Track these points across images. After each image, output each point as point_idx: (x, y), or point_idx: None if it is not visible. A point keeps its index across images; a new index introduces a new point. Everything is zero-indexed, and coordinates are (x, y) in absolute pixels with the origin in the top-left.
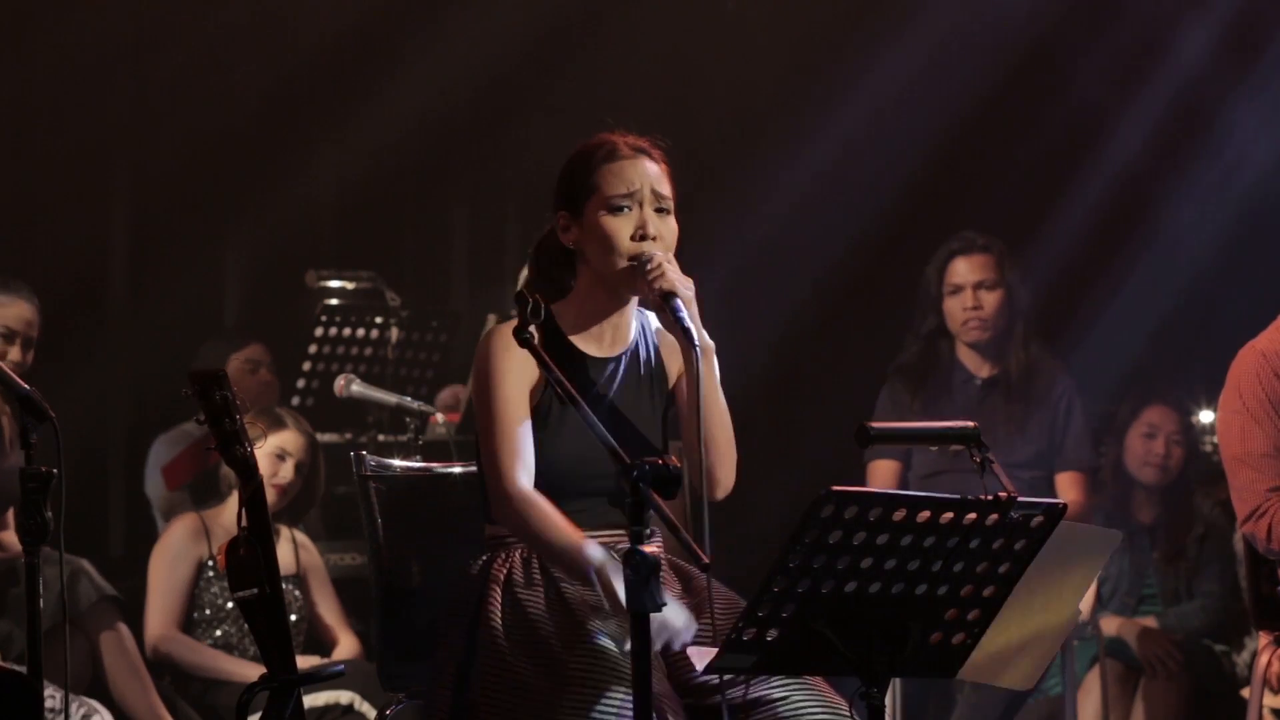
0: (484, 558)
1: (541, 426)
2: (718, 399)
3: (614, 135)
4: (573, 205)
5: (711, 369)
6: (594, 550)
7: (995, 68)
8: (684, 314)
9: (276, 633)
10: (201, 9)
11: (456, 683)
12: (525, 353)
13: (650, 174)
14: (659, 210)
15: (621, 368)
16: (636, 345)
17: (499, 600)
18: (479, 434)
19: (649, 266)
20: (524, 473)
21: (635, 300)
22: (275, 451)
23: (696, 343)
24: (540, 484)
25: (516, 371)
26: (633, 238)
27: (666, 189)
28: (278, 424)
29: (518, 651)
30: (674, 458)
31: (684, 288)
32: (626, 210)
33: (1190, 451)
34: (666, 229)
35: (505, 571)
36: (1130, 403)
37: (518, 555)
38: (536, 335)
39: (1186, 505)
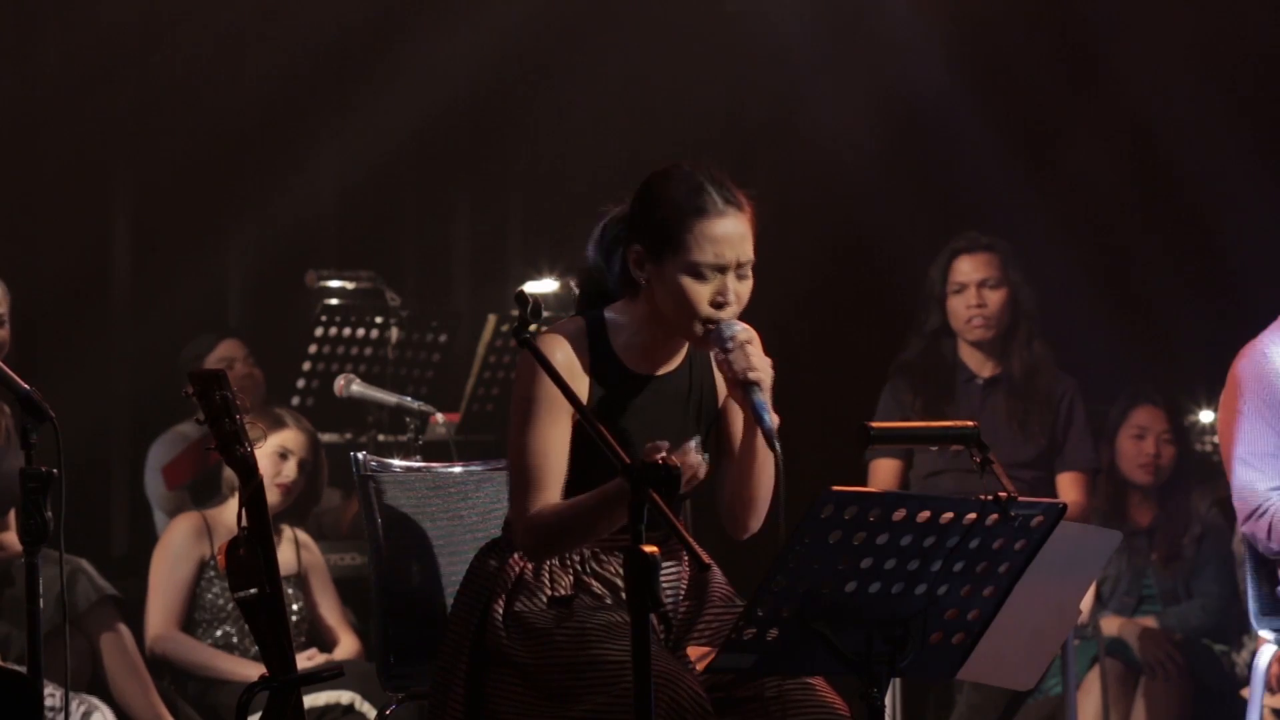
0: (499, 552)
1: (580, 430)
2: (767, 463)
3: (702, 175)
4: (654, 249)
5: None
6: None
7: (995, 65)
8: (766, 413)
9: (276, 633)
10: (203, 9)
11: (469, 680)
12: (569, 364)
13: (740, 239)
14: (740, 276)
15: (667, 386)
16: (689, 363)
17: (510, 599)
18: (508, 446)
19: (729, 347)
20: (542, 503)
21: None
22: (277, 451)
23: (776, 446)
24: (580, 485)
25: (554, 392)
26: (711, 303)
27: (751, 250)
28: (277, 424)
29: (529, 651)
30: (673, 458)
31: (765, 374)
32: (710, 277)
33: (1183, 451)
34: (744, 290)
35: (519, 570)
36: (1119, 405)
37: None
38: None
39: (1183, 506)
